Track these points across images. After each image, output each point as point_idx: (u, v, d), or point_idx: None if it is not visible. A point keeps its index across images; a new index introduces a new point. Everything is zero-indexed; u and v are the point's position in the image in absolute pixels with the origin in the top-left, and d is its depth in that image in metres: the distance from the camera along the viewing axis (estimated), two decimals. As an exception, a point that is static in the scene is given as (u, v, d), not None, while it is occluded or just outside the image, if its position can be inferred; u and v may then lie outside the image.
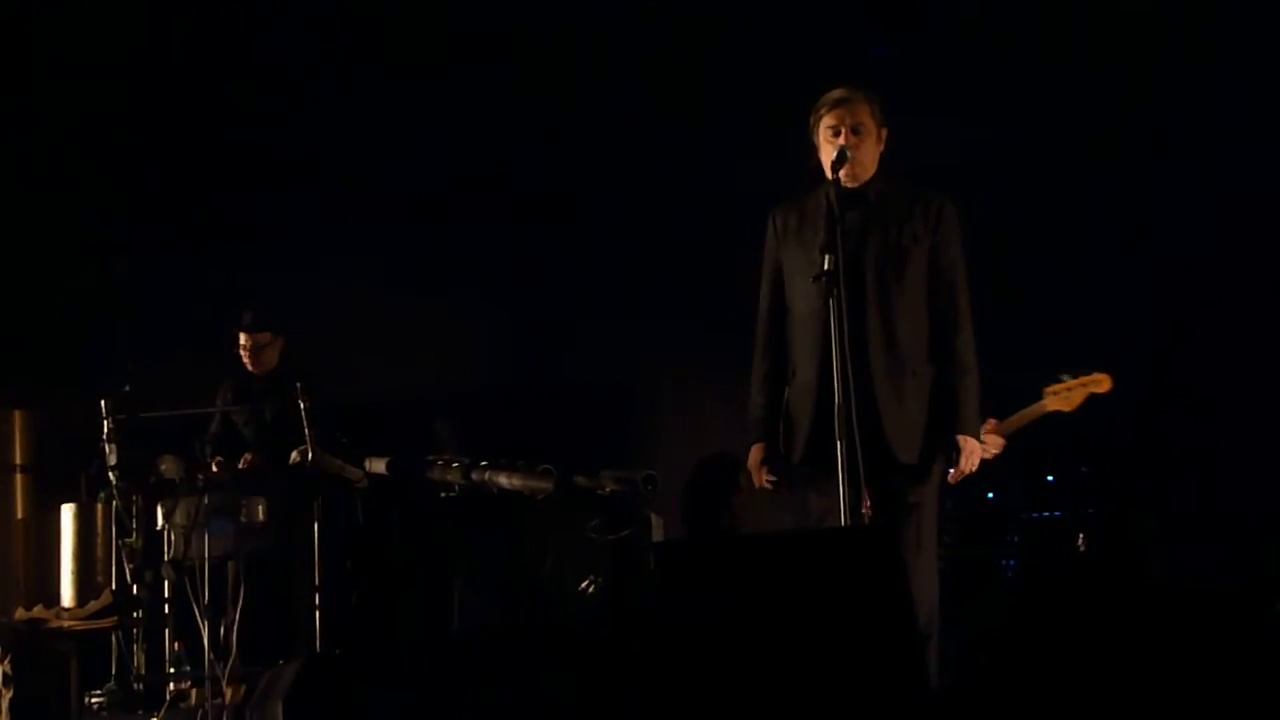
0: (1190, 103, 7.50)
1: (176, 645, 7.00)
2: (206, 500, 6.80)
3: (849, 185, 5.36)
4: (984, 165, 7.42)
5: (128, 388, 6.91)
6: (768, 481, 5.55)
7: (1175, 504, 6.74)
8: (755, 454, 5.58)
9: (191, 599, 6.79)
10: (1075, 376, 6.26)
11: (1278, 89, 7.36)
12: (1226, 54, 7.39)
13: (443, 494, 7.05)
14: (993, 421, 6.29)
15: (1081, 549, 6.81)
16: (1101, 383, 6.25)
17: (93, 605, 6.83)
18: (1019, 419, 6.29)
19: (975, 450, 5.43)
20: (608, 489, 6.47)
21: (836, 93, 5.46)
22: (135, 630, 6.83)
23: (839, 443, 5.02)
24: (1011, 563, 6.92)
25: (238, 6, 8.44)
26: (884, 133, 5.49)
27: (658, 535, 6.71)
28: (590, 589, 6.38)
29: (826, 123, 5.44)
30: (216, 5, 8.44)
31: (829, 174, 5.39)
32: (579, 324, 8.64)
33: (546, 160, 8.41)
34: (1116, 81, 7.56)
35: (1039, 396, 6.29)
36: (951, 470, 5.43)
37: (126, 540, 6.84)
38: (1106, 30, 7.50)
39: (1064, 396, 6.26)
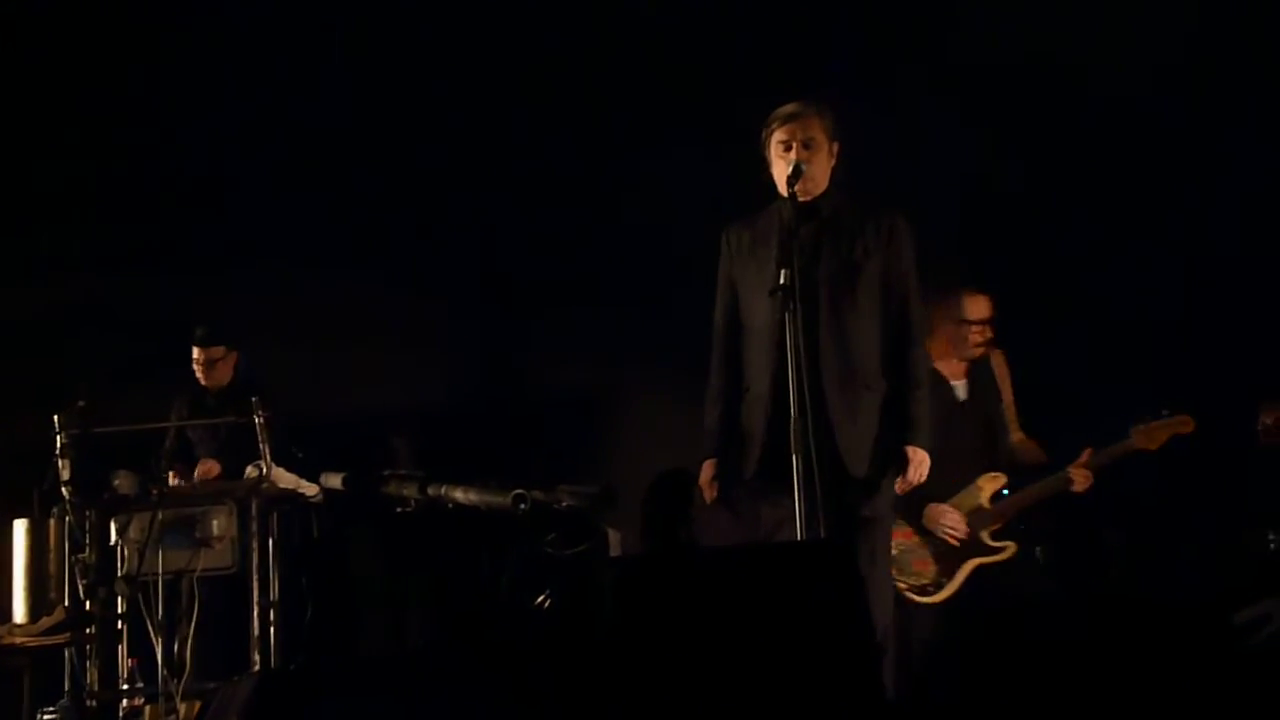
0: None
1: (130, 661, 6.97)
2: (160, 515, 6.76)
3: (801, 200, 5.37)
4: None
5: (81, 402, 6.87)
6: (719, 496, 5.56)
7: (1136, 517, 6.77)
8: (707, 469, 5.59)
9: (145, 615, 6.75)
10: (1159, 417, 6.33)
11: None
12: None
13: (399, 509, 7.04)
14: (1088, 452, 6.34)
15: (1039, 561, 6.84)
16: (1186, 424, 6.34)
17: (46, 621, 6.78)
18: (1107, 454, 6.37)
19: (924, 461, 5.44)
20: (564, 504, 6.47)
21: (788, 107, 5.46)
22: (88, 646, 6.78)
23: (794, 457, 5.03)
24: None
25: (193, 21, 8.43)
26: (835, 147, 5.49)
27: (614, 550, 6.72)
28: (546, 604, 6.38)
29: (778, 137, 5.44)
30: (171, 20, 8.42)
31: (782, 189, 5.40)
32: (536, 339, 8.63)
33: (504, 176, 8.40)
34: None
35: (1125, 434, 6.39)
36: (900, 480, 5.46)
37: (80, 556, 6.80)
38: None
39: (1150, 435, 6.33)
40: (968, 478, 6.41)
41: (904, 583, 6.31)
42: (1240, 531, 6.95)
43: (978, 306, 6.50)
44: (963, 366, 6.54)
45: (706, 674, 4.15)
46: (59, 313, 8.56)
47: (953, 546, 6.36)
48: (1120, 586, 6.54)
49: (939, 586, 6.34)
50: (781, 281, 5.15)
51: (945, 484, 6.30)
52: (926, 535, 6.38)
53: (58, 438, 6.79)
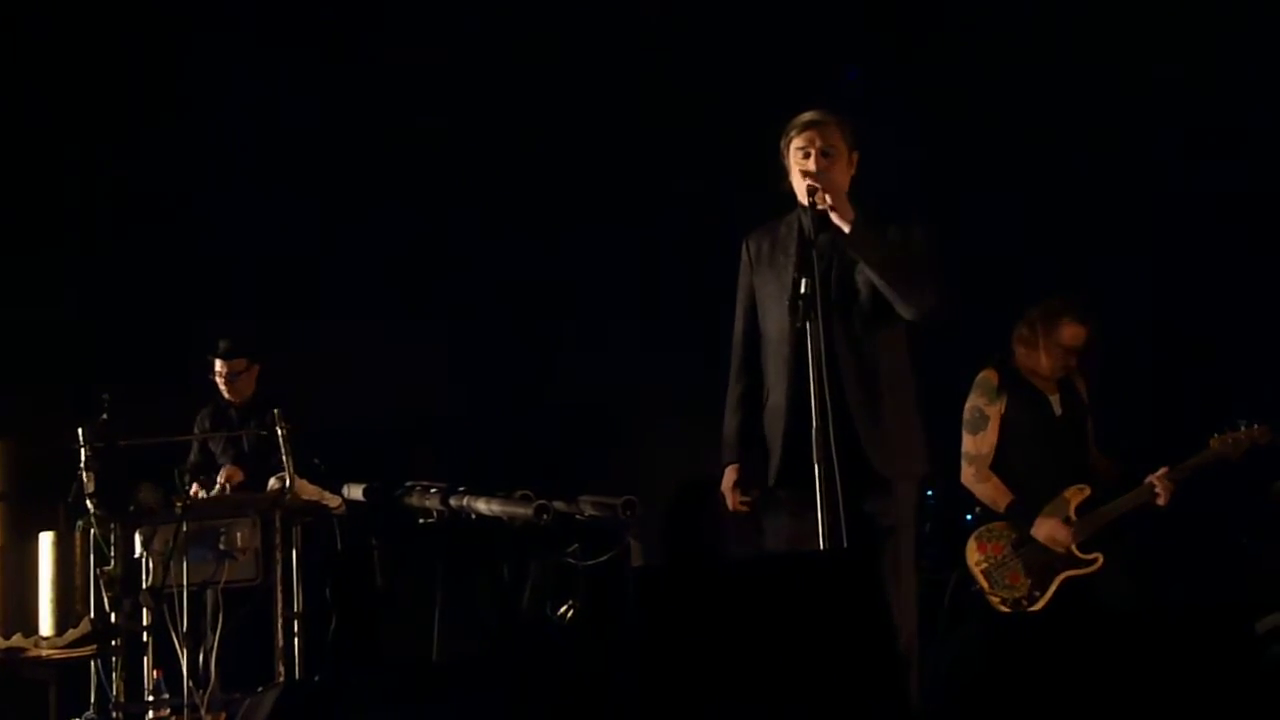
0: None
1: (155, 673, 6.99)
2: (185, 528, 6.78)
3: (820, 208, 5.36)
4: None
5: (105, 415, 6.90)
6: (741, 504, 5.55)
7: (1155, 525, 6.75)
8: (728, 477, 5.58)
9: (170, 627, 6.78)
10: (1238, 428, 6.38)
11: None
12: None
13: (421, 520, 7.04)
14: (1165, 469, 6.38)
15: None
16: (1264, 434, 6.40)
17: (71, 634, 6.82)
18: (1187, 467, 6.43)
19: None
20: (586, 514, 6.47)
21: (807, 115, 5.44)
22: (114, 658, 6.81)
23: (816, 466, 5.02)
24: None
25: (221, 32, 8.46)
26: (855, 156, 5.47)
27: (637, 560, 6.71)
28: (569, 614, 6.38)
29: (796, 145, 5.43)
30: (201, 30, 8.46)
31: (801, 197, 5.39)
32: (558, 348, 8.64)
33: (521, 185, 8.42)
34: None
35: (1204, 444, 6.44)
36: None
37: (105, 568, 6.83)
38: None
39: (1230, 444, 6.38)
40: (1056, 490, 6.47)
41: (997, 596, 6.39)
42: (1260, 540, 6.97)
43: (1075, 335, 6.57)
44: (1053, 383, 6.61)
45: (729, 685, 4.15)
46: (82, 325, 8.58)
47: (1043, 559, 6.42)
48: (1140, 595, 6.53)
49: (1033, 600, 6.39)
50: (801, 290, 5.14)
51: (1044, 496, 6.48)
52: (1016, 549, 6.44)
53: (82, 451, 6.82)
